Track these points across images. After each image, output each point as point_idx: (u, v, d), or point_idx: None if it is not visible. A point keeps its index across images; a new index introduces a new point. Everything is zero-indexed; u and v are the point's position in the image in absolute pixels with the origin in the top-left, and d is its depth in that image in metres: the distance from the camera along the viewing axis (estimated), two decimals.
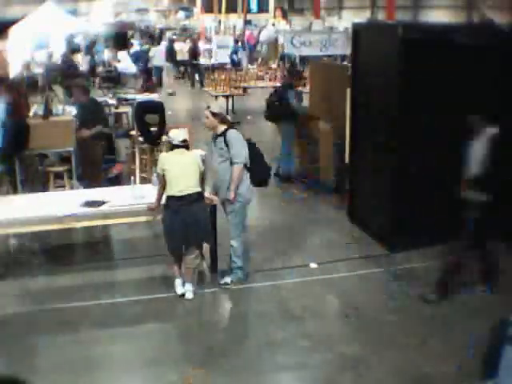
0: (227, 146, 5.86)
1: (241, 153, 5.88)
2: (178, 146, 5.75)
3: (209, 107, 6.14)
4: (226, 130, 5.96)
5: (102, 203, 6.13)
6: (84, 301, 5.77)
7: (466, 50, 6.66)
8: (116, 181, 8.80)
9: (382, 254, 6.83)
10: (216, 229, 6.26)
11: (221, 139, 5.92)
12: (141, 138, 9.32)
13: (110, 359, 4.94)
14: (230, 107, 15.28)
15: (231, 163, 5.86)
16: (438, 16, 29.24)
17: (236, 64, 20.70)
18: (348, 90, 8.05)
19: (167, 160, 5.70)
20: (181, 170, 5.63)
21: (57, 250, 6.95)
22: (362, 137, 7.54)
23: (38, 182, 8.59)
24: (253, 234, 7.52)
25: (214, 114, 5.99)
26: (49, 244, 7.02)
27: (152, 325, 5.43)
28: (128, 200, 6.22)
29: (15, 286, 6.24)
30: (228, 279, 6.13)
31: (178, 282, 5.84)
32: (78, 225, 6.13)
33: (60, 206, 6.08)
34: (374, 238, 7.18)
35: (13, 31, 17.36)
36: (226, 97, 15.14)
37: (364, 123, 7.49)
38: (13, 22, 17.68)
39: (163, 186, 5.70)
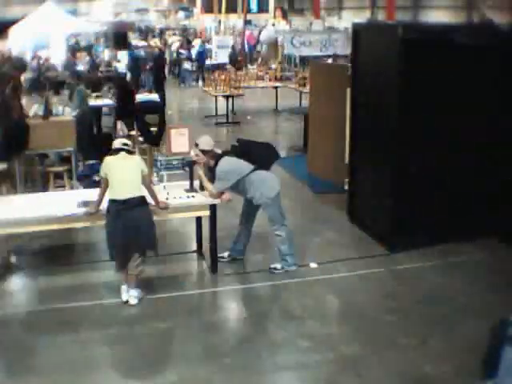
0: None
1: (219, 184, 6.05)
2: (120, 150, 5.62)
3: (197, 145, 6.13)
4: (215, 163, 6.09)
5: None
6: (84, 301, 5.77)
7: (465, 50, 6.67)
8: None
9: (382, 254, 6.83)
10: (216, 230, 6.26)
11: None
12: (141, 138, 9.32)
13: (110, 359, 4.95)
14: (230, 107, 15.27)
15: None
16: (437, 16, 29.25)
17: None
18: (348, 90, 8.06)
19: (110, 164, 5.59)
20: (123, 174, 5.53)
21: (57, 250, 6.94)
22: (362, 137, 7.54)
23: (38, 182, 8.60)
24: (253, 234, 7.52)
25: (203, 152, 6.09)
26: (49, 244, 7.02)
27: (152, 325, 5.42)
28: None
29: (15, 286, 6.24)
30: (278, 265, 6.35)
31: (123, 288, 5.74)
32: (78, 225, 6.12)
33: (60, 206, 6.07)
34: (374, 238, 7.18)
35: (13, 31, 17.40)
36: (226, 97, 15.14)
37: (364, 123, 7.49)
38: (13, 22, 17.72)
39: (105, 190, 5.62)
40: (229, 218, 7.03)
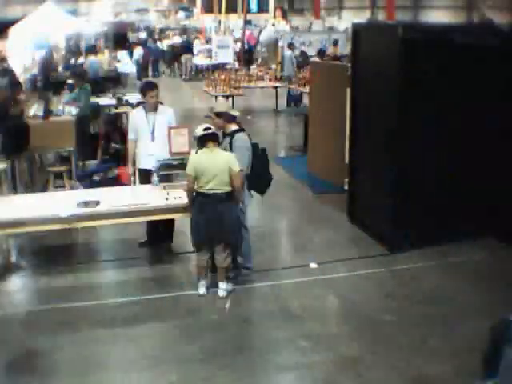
0: (231, 148, 5.82)
1: (242, 160, 5.73)
2: (205, 138, 5.60)
3: (212, 108, 6.08)
4: (235, 131, 5.92)
5: (98, 202, 6.13)
6: (84, 301, 5.77)
7: (465, 50, 6.67)
8: (116, 181, 8.78)
9: (381, 254, 6.83)
10: None
11: (228, 140, 5.90)
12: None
13: (110, 359, 4.94)
14: None
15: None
16: (437, 16, 29.29)
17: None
18: (348, 90, 8.06)
19: (198, 159, 5.62)
20: (210, 169, 5.55)
21: (57, 250, 6.94)
22: (362, 137, 7.54)
23: (38, 182, 8.61)
24: (253, 234, 7.52)
25: (217, 115, 5.94)
26: (49, 244, 7.02)
27: (152, 325, 5.42)
28: (128, 200, 6.21)
29: (15, 286, 6.24)
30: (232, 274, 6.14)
31: (201, 283, 5.85)
32: (78, 225, 6.12)
33: (60, 206, 6.07)
34: (373, 238, 7.18)
35: (13, 31, 17.37)
36: (226, 97, 15.13)
37: (364, 123, 7.49)
38: (13, 22, 17.69)
39: (192, 188, 5.67)
40: None
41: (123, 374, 4.74)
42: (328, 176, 9.37)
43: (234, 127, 5.96)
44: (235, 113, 6.06)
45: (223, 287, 5.84)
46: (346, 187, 8.25)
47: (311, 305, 5.79)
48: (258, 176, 5.95)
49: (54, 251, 6.92)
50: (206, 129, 5.64)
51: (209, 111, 6.10)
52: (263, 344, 5.10)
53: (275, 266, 6.59)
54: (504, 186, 7.00)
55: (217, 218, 5.59)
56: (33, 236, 6.82)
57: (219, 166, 5.55)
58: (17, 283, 6.30)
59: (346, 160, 8.25)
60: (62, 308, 5.64)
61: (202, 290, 5.85)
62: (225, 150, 5.84)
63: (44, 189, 8.18)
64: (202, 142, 5.64)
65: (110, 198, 6.29)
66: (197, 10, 32.39)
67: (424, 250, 6.79)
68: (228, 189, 5.63)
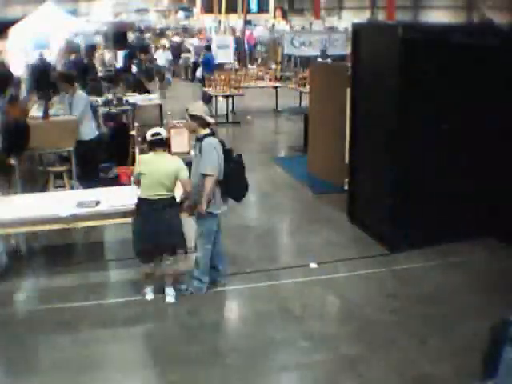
0: (201, 153, 5.64)
1: (209, 162, 5.55)
2: (155, 144, 5.57)
3: (187, 109, 5.84)
4: (205, 136, 5.67)
5: (98, 202, 6.13)
6: (84, 301, 5.77)
7: (465, 49, 6.67)
8: (116, 181, 8.78)
9: (382, 254, 6.83)
10: None
11: (198, 144, 5.72)
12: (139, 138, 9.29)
13: (110, 359, 4.94)
14: (230, 107, 15.27)
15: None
16: (437, 16, 29.32)
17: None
18: (348, 90, 8.06)
19: (145, 162, 5.59)
20: (154, 174, 5.49)
21: (57, 250, 6.94)
22: (362, 137, 7.54)
23: (37, 182, 8.60)
24: (253, 234, 7.53)
25: (192, 117, 5.70)
26: (48, 244, 7.02)
27: (152, 325, 5.42)
28: (127, 200, 6.21)
29: (15, 286, 6.24)
30: (183, 286, 5.96)
31: (147, 289, 5.77)
32: (78, 225, 6.12)
33: (59, 206, 6.07)
34: (373, 238, 7.18)
35: (13, 31, 17.37)
36: (226, 97, 15.15)
37: (364, 123, 7.49)
38: (13, 22, 17.69)
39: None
40: (229, 218, 7.02)
41: (123, 374, 4.74)
42: (328, 176, 9.37)
43: (206, 132, 5.72)
44: (211, 119, 5.78)
45: (171, 293, 5.75)
46: (346, 187, 8.25)
47: (311, 305, 5.79)
48: (231, 183, 5.73)
49: (54, 251, 6.92)
50: (154, 134, 5.59)
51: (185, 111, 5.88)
52: (263, 344, 5.10)
53: (275, 266, 6.59)
54: (504, 186, 7.00)
55: (163, 226, 5.49)
56: (33, 236, 6.82)
57: (164, 171, 5.50)
58: (17, 283, 6.30)
59: (346, 160, 8.25)
60: (62, 308, 5.64)
61: (149, 296, 5.77)
62: (195, 155, 5.75)
63: (44, 189, 8.18)
64: (150, 146, 5.62)
65: (109, 197, 6.29)
66: (197, 9, 32.44)
67: (424, 249, 6.79)
68: (172, 194, 5.60)
